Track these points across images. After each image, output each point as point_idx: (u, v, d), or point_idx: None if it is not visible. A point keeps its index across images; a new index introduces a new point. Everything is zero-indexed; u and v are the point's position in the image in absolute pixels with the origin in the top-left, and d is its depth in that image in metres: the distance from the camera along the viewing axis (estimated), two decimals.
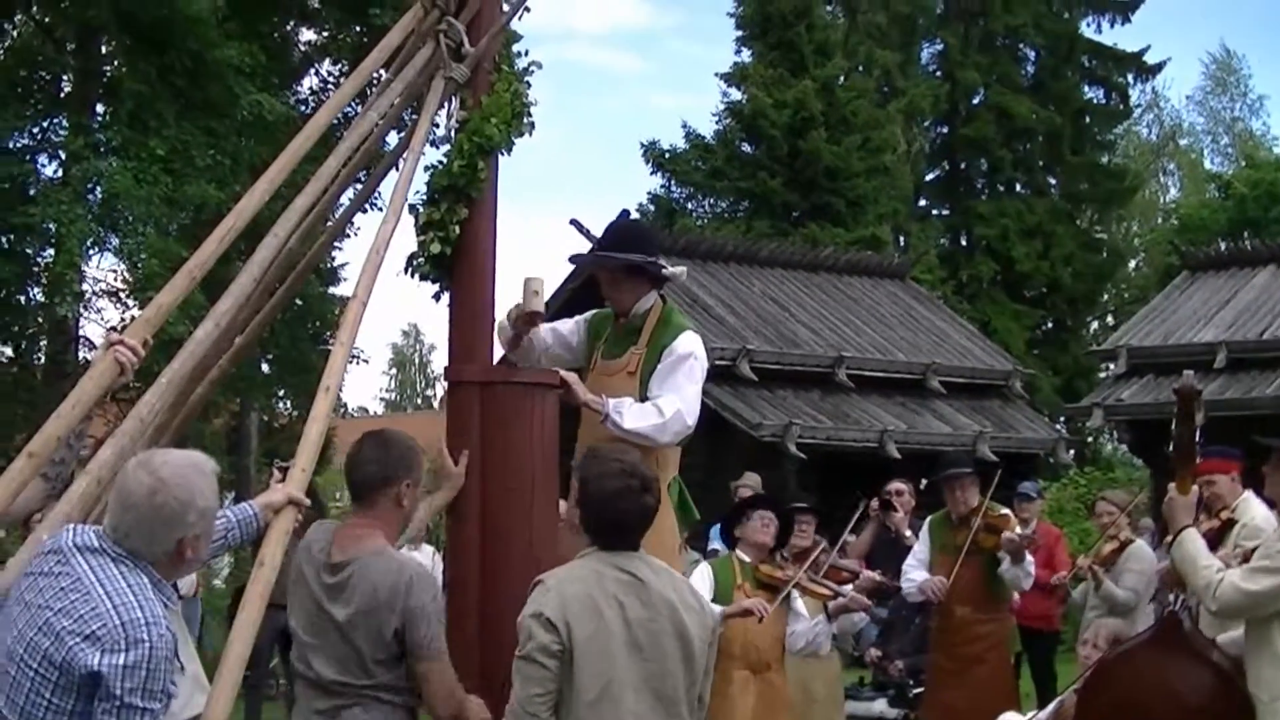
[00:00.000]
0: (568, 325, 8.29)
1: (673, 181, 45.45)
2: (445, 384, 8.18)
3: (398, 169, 7.82)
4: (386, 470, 6.59)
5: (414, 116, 8.11)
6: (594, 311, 8.29)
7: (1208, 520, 9.28)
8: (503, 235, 7.89)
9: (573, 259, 8.37)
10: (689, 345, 7.80)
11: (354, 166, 7.75)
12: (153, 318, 6.43)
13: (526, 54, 8.03)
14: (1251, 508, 9.79)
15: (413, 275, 7.75)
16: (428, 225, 7.57)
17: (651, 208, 44.52)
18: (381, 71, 8.06)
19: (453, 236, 7.56)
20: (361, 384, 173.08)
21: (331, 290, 29.85)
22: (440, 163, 7.65)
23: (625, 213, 8.10)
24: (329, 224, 9.27)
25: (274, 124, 21.96)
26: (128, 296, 23.86)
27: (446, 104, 7.76)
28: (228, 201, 7.23)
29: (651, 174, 45.51)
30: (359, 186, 9.89)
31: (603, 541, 6.26)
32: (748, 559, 10.58)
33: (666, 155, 44.98)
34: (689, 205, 45.66)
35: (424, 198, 7.67)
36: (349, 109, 11.53)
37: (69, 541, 5.21)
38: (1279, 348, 24.46)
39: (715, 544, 11.91)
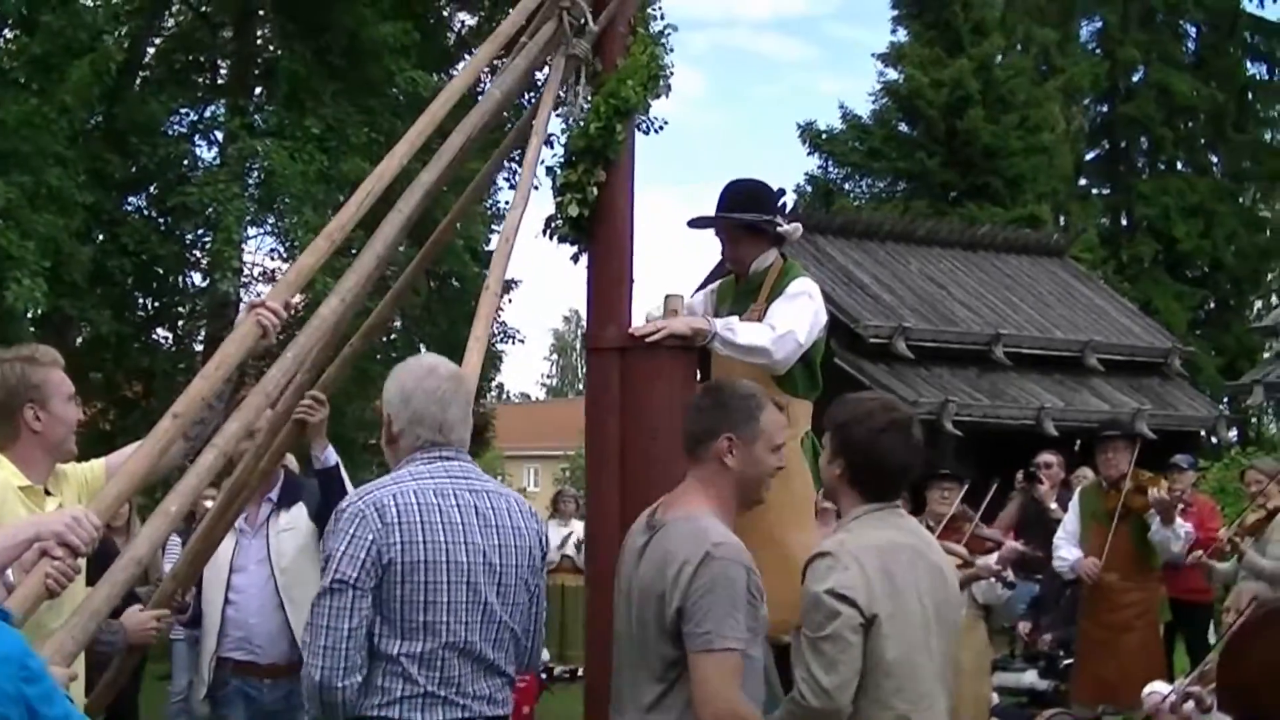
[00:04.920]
0: (698, 300, 8.33)
1: (830, 162, 45.25)
2: (584, 350, 8.22)
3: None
4: (706, 421, 5.94)
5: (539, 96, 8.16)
6: (720, 280, 8.33)
7: None
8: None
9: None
10: (800, 286, 7.74)
11: (476, 143, 7.75)
12: (294, 280, 6.53)
13: (662, 17, 8.09)
14: None
15: (551, 238, 7.82)
16: (565, 187, 7.62)
17: (809, 189, 44.38)
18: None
19: (590, 199, 7.59)
20: (523, 369, 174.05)
21: (487, 271, 29.99)
22: (578, 124, 7.70)
23: (781, 191, 8.04)
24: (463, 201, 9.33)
25: (429, 101, 22.08)
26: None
27: (571, 80, 7.81)
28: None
29: (808, 155, 45.39)
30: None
31: (878, 494, 5.91)
32: None
33: (823, 136, 44.77)
34: (846, 186, 45.42)
35: (561, 160, 7.73)
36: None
37: (470, 487, 5.65)
38: None
39: None
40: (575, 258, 7.86)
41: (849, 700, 5.58)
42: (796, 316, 7.58)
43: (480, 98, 7.96)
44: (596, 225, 7.72)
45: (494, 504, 5.65)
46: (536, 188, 8.04)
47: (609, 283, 7.80)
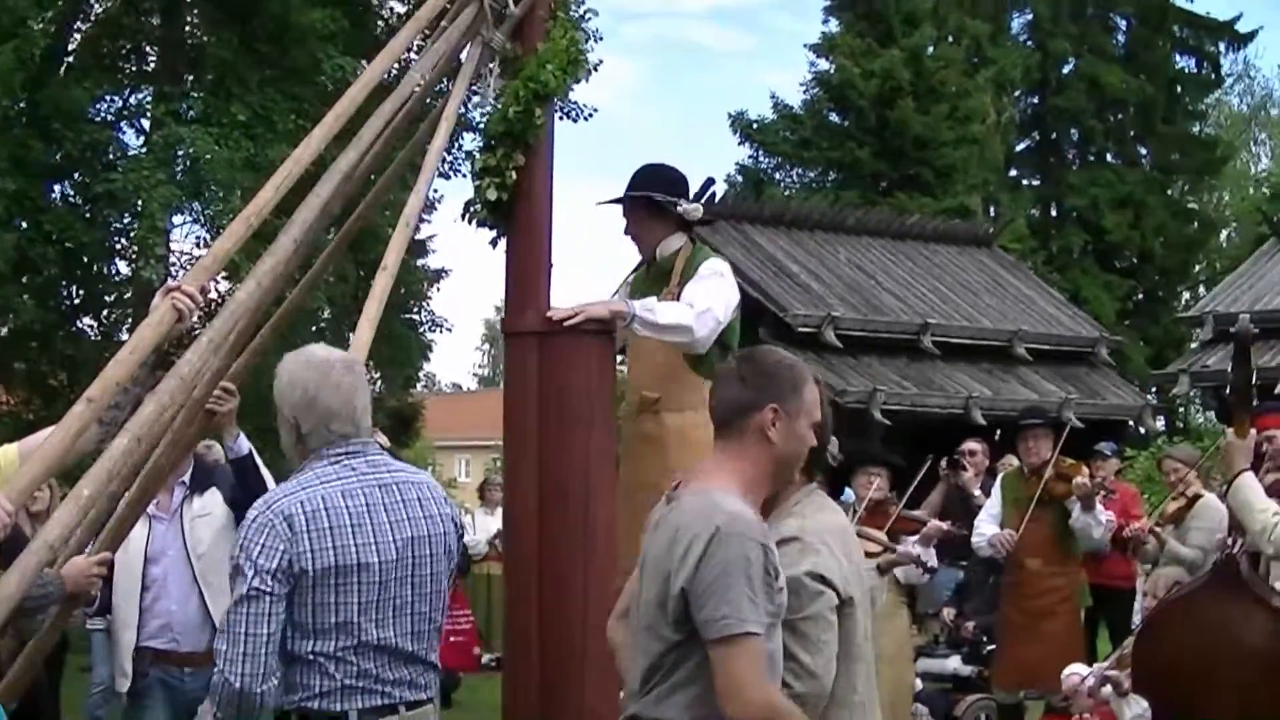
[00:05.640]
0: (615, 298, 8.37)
1: (761, 152, 45.34)
2: (501, 335, 8.22)
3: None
4: (746, 393, 5.30)
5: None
6: (632, 273, 8.36)
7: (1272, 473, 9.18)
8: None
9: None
10: (712, 266, 7.79)
11: (395, 129, 7.72)
12: (210, 265, 6.51)
13: (583, 1, 8.07)
14: None
15: (470, 222, 7.80)
16: (484, 171, 7.60)
17: (739, 178, 44.47)
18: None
19: (509, 183, 7.58)
20: (454, 359, 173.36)
21: (420, 262, 29.98)
22: (495, 109, 7.69)
23: (710, 180, 8.06)
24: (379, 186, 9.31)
25: None
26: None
27: (484, 70, 7.80)
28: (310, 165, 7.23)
29: (739, 144, 45.50)
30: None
31: (810, 474, 5.64)
32: None
33: (754, 126, 44.83)
34: (777, 176, 45.50)
35: (480, 144, 7.72)
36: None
37: (380, 481, 5.70)
38: None
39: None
40: (494, 242, 7.86)
41: (831, 682, 5.28)
42: (712, 295, 7.61)
43: (400, 83, 7.93)
44: (514, 210, 7.70)
45: (404, 495, 5.69)
46: (463, 175, 8.03)
47: (527, 267, 7.79)
